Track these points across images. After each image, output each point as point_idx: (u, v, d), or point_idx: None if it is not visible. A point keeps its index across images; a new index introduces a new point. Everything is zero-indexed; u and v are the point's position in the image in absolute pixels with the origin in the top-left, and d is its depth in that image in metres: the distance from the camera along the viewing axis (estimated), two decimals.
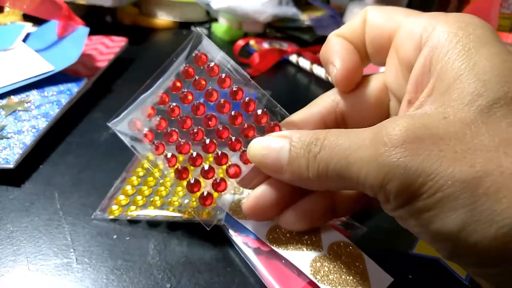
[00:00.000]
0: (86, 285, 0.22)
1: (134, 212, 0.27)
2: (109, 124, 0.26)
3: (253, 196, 0.23)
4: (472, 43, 0.17)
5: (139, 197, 0.28)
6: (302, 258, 0.24)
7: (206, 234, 0.26)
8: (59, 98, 0.37)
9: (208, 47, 0.26)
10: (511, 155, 0.15)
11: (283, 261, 0.24)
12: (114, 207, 0.27)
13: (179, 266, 0.24)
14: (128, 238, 0.26)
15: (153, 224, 0.27)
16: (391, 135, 0.16)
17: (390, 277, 0.23)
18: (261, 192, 0.23)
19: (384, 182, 0.16)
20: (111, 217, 0.27)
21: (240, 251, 0.25)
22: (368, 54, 0.23)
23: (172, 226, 0.27)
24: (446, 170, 0.15)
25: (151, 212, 0.27)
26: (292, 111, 0.25)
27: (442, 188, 0.15)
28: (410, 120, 0.17)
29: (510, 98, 0.16)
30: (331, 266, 0.23)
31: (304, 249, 0.24)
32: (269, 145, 0.21)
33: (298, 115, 0.24)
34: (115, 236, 0.26)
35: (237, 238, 0.25)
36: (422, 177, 0.15)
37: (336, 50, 0.23)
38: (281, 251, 0.24)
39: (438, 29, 0.18)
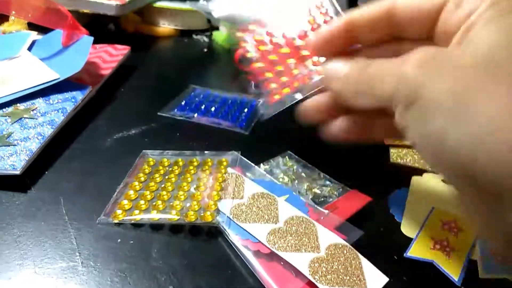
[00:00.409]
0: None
1: (137, 216, 0.28)
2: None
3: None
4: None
5: (142, 202, 0.29)
6: (301, 259, 0.24)
7: (207, 237, 0.27)
8: (64, 105, 0.38)
9: None
10: (495, 76, 0.18)
11: (282, 263, 0.25)
12: (118, 211, 0.28)
13: (181, 269, 0.25)
14: (132, 242, 0.26)
15: (156, 227, 0.28)
16: (411, 57, 0.20)
17: (386, 277, 0.24)
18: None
19: (398, 86, 0.20)
20: (116, 221, 0.28)
21: (240, 254, 0.26)
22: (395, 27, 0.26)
23: (174, 230, 0.28)
24: (442, 83, 0.18)
25: (155, 216, 0.28)
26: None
27: (436, 95, 0.18)
28: (430, 48, 0.20)
29: None
30: (329, 266, 0.24)
31: (303, 250, 0.25)
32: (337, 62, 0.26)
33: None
34: (119, 240, 0.27)
35: (237, 241, 0.26)
36: (423, 85, 0.19)
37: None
38: (280, 252, 0.25)
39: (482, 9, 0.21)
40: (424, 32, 0.25)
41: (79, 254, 0.25)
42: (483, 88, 0.17)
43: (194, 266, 0.25)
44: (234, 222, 0.27)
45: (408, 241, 0.28)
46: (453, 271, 0.26)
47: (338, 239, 0.26)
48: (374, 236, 0.28)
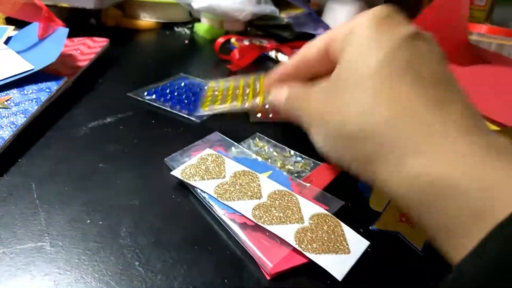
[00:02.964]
0: (59, 265, 0.24)
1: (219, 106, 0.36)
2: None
3: None
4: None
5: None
6: (287, 230, 0.25)
7: (175, 216, 0.27)
8: (38, 95, 0.38)
9: None
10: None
11: (267, 234, 0.26)
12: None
13: (149, 246, 0.25)
14: (101, 222, 0.27)
15: (125, 209, 0.28)
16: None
17: (367, 241, 0.25)
18: None
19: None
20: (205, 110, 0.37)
21: (227, 227, 0.27)
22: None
23: (143, 209, 0.28)
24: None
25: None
26: None
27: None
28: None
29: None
30: (314, 235, 0.25)
31: (288, 222, 0.26)
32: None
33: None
34: (88, 221, 0.27)
35: (224, 216, 0.27)
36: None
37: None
38: (266, 226, 0.26)
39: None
40: None
41: (48, 235, 0.26)
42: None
43: (161, 243, 0.26)
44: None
45: (374, 215, 0.28)
46: (417, 241, 0.27)
47: (320, 209, 0.27)
48: (340, 211, 0.29)
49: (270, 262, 0.24)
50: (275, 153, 0.34)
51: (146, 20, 0.69)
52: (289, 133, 0.39)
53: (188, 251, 0.25)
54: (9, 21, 0.55)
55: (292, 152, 0.34)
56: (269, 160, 0.33)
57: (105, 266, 0.24)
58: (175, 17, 0.70)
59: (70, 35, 0.46)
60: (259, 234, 0.26)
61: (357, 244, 0.25)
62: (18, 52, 0.44)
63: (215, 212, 0.28)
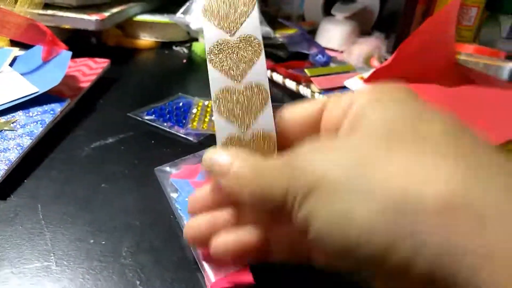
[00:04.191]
0: (64, 285, 0.25)
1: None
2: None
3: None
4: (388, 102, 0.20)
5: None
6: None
7: (175, 237, 0.29)
8: (43, 117, 0.40)
9: None
10: (389, 146, 0.17)
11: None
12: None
13: (149, 265, 0.27)
14: (103, 242, 0.28)
15: (126, 229, 0.30)
16: (298, 150, 0.20)
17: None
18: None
19: (290, 182, 0.19)
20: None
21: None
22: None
23: (144, 231, 0.30)
24: (337, 165, 0.18)
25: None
26: None
27: (334, 177, 0.17)
28: (316, 139, 0.21)
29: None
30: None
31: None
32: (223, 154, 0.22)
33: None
34: (92, 241, 0.28)
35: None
36: (316, 171, 0.18)
37: None
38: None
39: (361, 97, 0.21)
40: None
41: (54, 255, 0.27)
42: (379, 158, 0.17)
43: (161, 262, 0.27)
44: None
45: None
46: None
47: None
48: None
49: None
50: None
51: (146, 39, 0.71)
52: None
53: (186, 270, 0.27)
54: (13, 42, 0.57)
55: None
56: None
57: (108, 285, 0.25)
58: (173, 36, 0.73)
59: (72, 55, 0.48)
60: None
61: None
62: (22, 74, 0.45)
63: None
